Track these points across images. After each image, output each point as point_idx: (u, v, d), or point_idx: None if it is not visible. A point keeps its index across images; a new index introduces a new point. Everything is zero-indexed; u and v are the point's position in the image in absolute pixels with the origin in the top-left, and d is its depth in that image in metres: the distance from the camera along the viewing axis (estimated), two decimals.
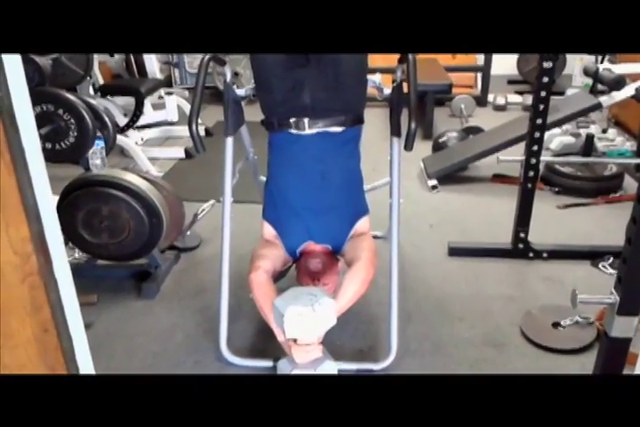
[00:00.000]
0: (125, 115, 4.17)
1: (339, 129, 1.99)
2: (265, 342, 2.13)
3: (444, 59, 5.48)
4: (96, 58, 4.08)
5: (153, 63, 4.69)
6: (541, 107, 2.42)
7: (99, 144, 2.44)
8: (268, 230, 2.06)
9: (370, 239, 2.03)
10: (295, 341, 1.72)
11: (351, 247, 2.00)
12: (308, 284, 2.03)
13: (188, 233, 2.81)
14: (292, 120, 1.96)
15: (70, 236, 2.33)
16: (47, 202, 0.86)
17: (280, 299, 1.71)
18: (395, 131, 2.08)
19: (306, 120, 1.95)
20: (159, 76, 4.79)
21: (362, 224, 2.06)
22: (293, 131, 1.98)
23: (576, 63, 5.51)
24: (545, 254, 2.65)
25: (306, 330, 1.67)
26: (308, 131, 1.97)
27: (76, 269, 2.41)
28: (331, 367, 1.74)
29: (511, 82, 5.82)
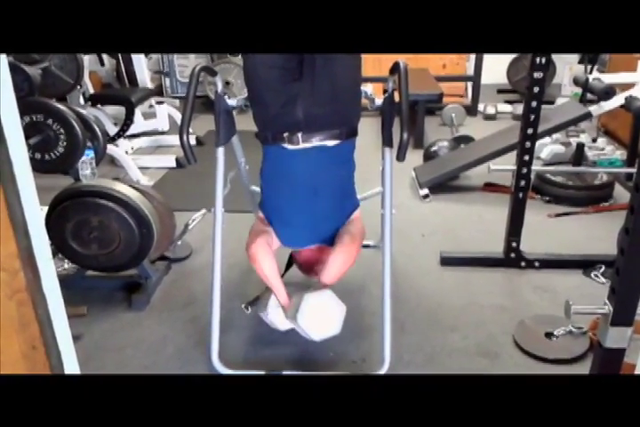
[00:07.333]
0: (116, 124, 4.15)
1: (333, 143, 1.96)
2: (257, 353, 2.11)
3: (435, 68, 5.52)
4: (86, 67, 4.06)
5: (144, 72, 4.67)
6: (532, 117, 2.42)
7: (88, 154, 2.41)
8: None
9: (357, 223, 2.08)
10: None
11: (339, 232, 2.04)
12: (309, 274, 2.20)
13: (179, 243, 2.78)
14: (285, 135, 1.92)
15: (59, 247, 2.31)
16: (36, 217, 0.85)
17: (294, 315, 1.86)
18: (387, 141, 2.07)
19: (299, 135, 1.91)
20: (150, 85, 4.77)
21: (353, 216, 2.11)
22: (287, 145, 1.95)
23: (565, 73, 5.55)
24: (537, 264, 2.65)
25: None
26: (301, 145, 1.93)
27: (65, 281, 2.40)
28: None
29: (501, 91, 5.85)
